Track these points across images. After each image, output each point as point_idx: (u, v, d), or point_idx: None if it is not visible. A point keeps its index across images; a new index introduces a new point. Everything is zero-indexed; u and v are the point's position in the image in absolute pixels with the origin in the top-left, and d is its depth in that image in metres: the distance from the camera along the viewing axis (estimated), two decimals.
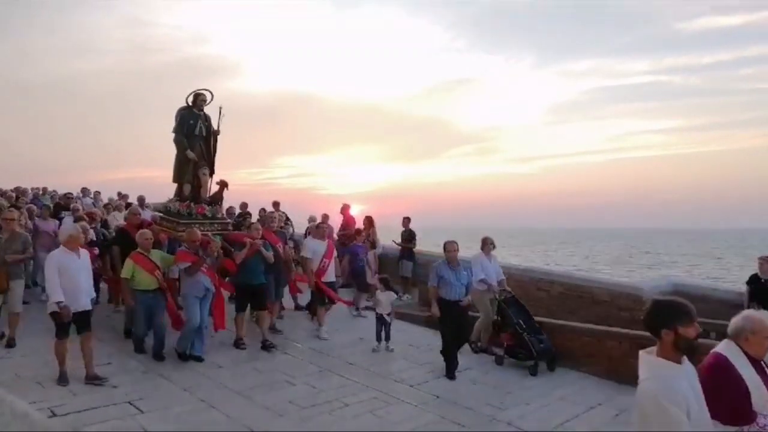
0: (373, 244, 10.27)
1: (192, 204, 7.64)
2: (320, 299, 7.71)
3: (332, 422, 4.96)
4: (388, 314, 7.24)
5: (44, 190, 14.78)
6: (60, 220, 9.31)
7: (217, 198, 8.03)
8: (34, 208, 9.03)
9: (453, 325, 6.46)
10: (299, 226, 12.33)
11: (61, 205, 10.78)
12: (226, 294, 7.25)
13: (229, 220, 8.41)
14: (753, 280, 7.95)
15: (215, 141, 8.00)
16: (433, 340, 7.85)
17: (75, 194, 13.36)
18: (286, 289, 8.55)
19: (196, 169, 7.76)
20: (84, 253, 5.48)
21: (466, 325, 6.77)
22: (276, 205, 11.85)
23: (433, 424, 5.07)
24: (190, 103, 7.85)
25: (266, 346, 6.76)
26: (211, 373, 5.87)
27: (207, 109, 8.01)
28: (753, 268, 8.34)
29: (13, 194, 12.13)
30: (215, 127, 7.95)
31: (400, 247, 11.27)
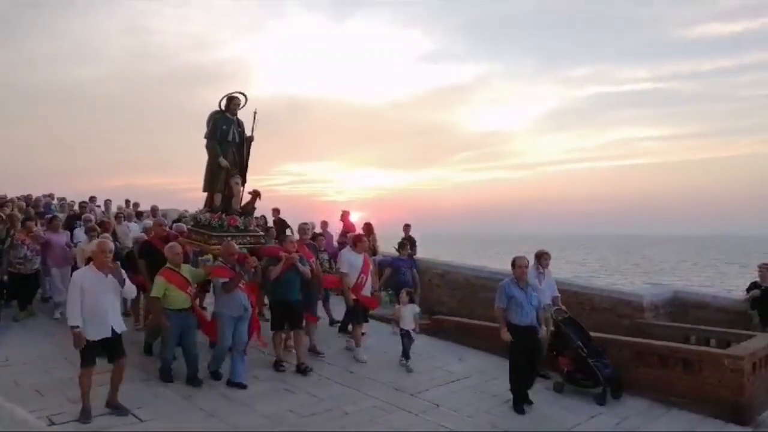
0: (374, 252, 10.27)
1: (224, 215, 7.18)
2: (358, 316, 7.19)
3: (332, 430, 4.94)
4: (413, 329, 6.91)
5: (52, 195, 14.12)
6: (73, 231, 8.94)
7: (249, 209, 7.60)
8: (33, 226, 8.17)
9: (526, 354, 5.75)
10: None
11: (75, 215, 10.29)
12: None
13: (261, 233, 7.87)
14: (753, 288, 7.96)
15: (249, 148, 7.54)
16: (434, 348, 7.83)
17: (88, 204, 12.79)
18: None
19: (228, 177, 7.31)
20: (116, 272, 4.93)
21: (540, 354, 5.97)
22: (276, 211, 11.84)
23: None
24: (223, 107, 7.37)
25: (302, 370, 6.30)
26: (211, 382, 5.84)
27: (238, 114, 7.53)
28: (753, 276, 8.35)
29: (23, 203, 11.62)
30: (249, 133, 7.48)
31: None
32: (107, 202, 12.98)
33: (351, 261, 7.12)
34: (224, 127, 7.26)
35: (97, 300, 4.64)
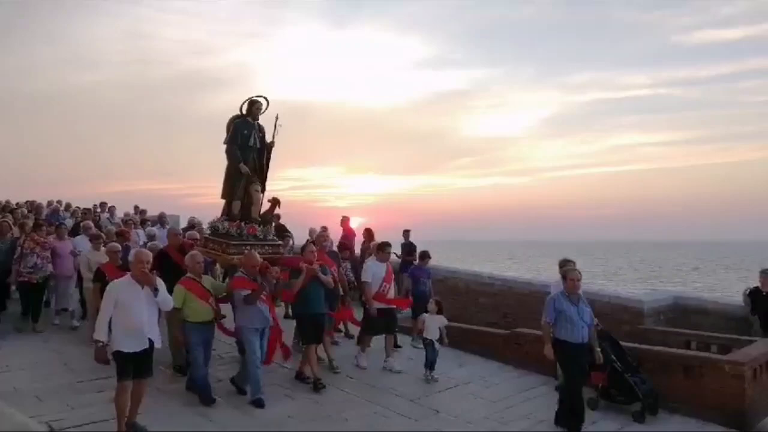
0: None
1: (243, 224, 6.86)
2: (377, 326, 6.95)
3: None
4: (438, 340, 6.71)
5: (60, 202, 13.54)
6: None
7: (269, 217, 7.32)
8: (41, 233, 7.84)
9: (581, 373, 5.41)
10: (300, 239, 12.29)
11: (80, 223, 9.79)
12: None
13: (280, 242, 7.52)
14: (754, 293, 7.95)
15: (269, 154, 7.24)
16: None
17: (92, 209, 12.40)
18: None
19: (247, 184, 7.00)
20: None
21: (585, 376, 5.59)
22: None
23: None
24: (244, 112, 7.08)
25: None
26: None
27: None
28: (753, 281, 8.34)
29: (25, 209, 11.33)
30: (270, 139, 7.18)
31: (400, 260, 11.25)
32: (111, 209, 12.77)
33: (375, 271, 6.96)
34: (245, 131, 6.99)
35: (133, 312, 4.43)
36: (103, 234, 8.09)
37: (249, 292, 5.48)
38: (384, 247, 7.24)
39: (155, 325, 4.63)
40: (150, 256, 4.72)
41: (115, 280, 4.68)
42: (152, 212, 13.46)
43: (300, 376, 6.26)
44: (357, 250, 11.00)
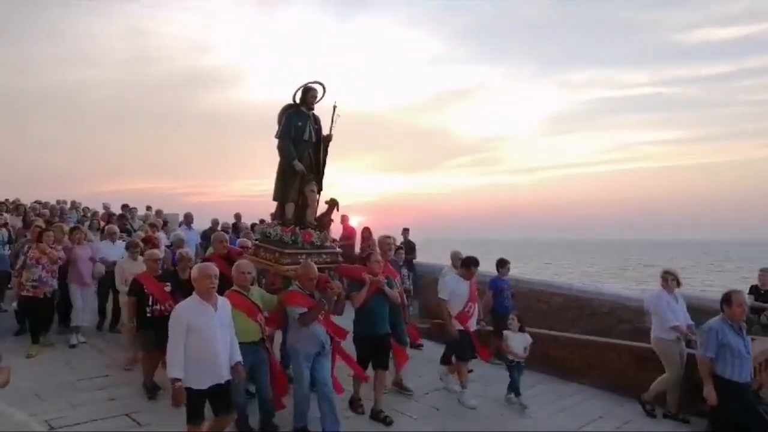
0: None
1: (297, 229, 6.05)
2: (464, 350, 6.08)
3: None
4: (522, 360, 6.05)
5: (74, 203, 13.12)
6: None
7: (326, 221, 6.45)
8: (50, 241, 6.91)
9: (750, 418, 4.57)
10: None
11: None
12: None
13: (338, 250, 6.57)
14: (753, 292, 7.97)
15: (326, 149, 6.37)
16: (434, 352, 7.77)
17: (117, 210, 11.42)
18: None
19: (302, 184, 6.20)
20: (223, 302, 3.99)
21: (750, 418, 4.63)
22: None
23: None
24: (298, 101, 6.25)
25: (381, 419, 5.25)
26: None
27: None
28: (753, 280, 8.36)
29: (47, 211, 10.75)
30: (327, 131, 6.30)
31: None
32: (132, 210, 11.67)
33: (453, 288, 6.09)
34: (299, 123, 6.13)
35: (206, 339, 3.73)
36: (140, 242, 7.30)
37: (305, 310, 4.73)
38: (469, 265, 6.17)
39: (228, 355, 3.90)
40: (217, 270, 4.00)
41: (182, 302, 3.99)
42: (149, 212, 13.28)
43: (354, 404, 5.54)
44: (357, 248, 11.02)
